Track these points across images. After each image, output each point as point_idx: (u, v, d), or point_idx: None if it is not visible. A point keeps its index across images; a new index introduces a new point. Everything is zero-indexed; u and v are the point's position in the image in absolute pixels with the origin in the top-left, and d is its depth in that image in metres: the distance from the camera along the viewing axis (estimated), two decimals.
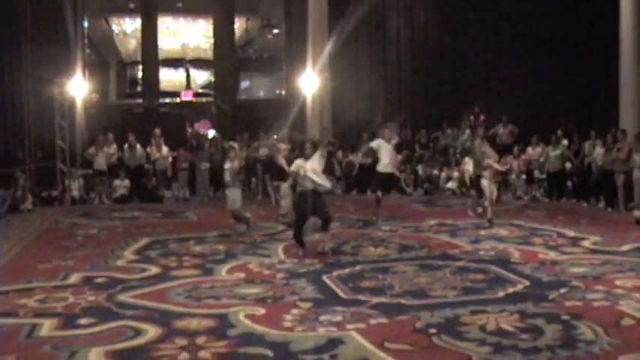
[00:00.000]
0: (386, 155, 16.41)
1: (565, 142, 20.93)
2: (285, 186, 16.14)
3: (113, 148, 22.11)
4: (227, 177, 14.84)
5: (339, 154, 23.52)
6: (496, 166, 16.24)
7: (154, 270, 11.32)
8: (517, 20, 26.81)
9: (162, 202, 21.21)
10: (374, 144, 16.77)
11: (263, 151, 21.34)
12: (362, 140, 24.19)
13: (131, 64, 36.01)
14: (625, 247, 12.88)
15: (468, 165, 22.52)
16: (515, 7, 26.61)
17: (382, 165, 16.45)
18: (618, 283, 9.98)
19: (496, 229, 15.05)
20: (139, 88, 32.17)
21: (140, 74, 31.39)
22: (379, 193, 16.52)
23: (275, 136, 18.31)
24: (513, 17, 26.95)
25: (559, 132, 21.14)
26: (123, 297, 9.48)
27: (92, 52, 31.97)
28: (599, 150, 19.35)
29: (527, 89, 26.44)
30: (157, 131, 22.64)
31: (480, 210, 16.38)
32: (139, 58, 30.89)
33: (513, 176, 21.49)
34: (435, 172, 23.25)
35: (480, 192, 16.32)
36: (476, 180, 16.72)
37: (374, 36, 28.29)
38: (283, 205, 16.19)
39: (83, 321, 8.34)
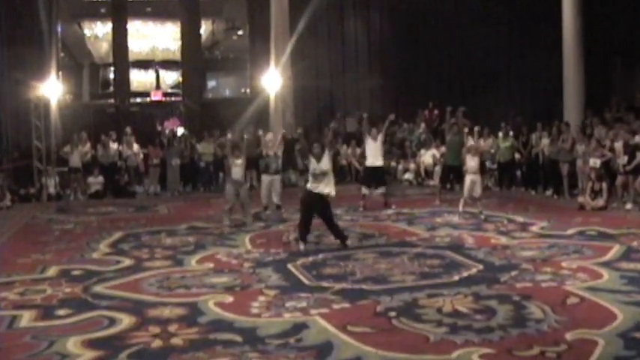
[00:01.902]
0: (370, 151, 16.93)
1: (512, 133, 21.04)
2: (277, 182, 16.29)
3: (87, 146, 21.91)
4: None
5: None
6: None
7: (127, 262, 11.22)
8: (466, 19, 26.92)
9: (135, 198, 21.02)
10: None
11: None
12: (324, 135, 24.18)
13: (103, 66, 35.67)
14: (570, 231, 13.03)
15: (424, 157, 22.65)
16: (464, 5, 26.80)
17: (368, 160, 17.12)
18: (564, 264, 10.10)
19: (451, 216, 15.13)
20: (110, 89, 31.86)
21: (112, 75, 31.12)
22: (364, 190, 17.09)
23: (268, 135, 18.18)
24: (463, 14, 27.07)
25: (503, 124, 21.19)
26: (98, 288, 9.39)
27: (66, 54, 31.64)
28: (545, 141, 19.49)
29: (478, 85, 26.61)
30: (128, 130, 22.51)
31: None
32: (110, 60, 30.66)
33: (465, 167, 21.53)
34: (393, 164, 23.26)
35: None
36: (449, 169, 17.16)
37: (333, 36, 28.33)
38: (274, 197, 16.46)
39: (61, 312, 8.25)
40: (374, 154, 16.87)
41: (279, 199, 16.40)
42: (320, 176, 11.87)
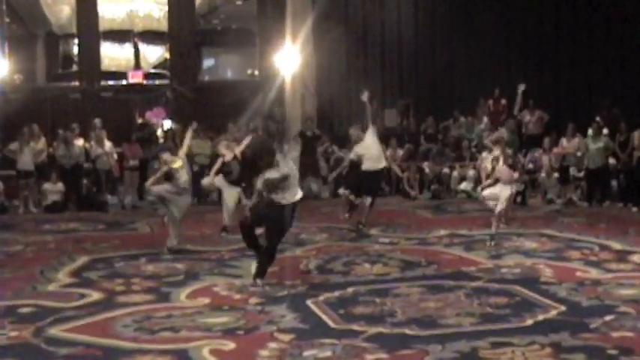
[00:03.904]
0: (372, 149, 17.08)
1: (606, 131, 20.94)
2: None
3: (42, 142, 21.94)
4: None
5: (329, 148, 23.52)
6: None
7: (95, 296, 11.24)
8: None
9: (106, 211, 21.10)
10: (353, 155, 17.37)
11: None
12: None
13: (64, 38, 35.75)
14: None
15: (487, 161, 22.55)
16: None
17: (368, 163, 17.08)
18: None
19: (522, 240, 15.06)
20: (74, 68, 31.98)
21: (76, 50, 31.22)
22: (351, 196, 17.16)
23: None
24: None
25: (597, 119, 21.11)
26: (55, 331, 9.40)
27: (13, 22, 31.78)
28: None
29: (560, 65, 26.45)
30: (98, 122, 22.55)
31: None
32: (74, 29, 30.70)
33: (543, 175, 21.47)
34: (446, 170, 23.23)
35: None
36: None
37: (369, 2, 28.25)
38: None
39: None
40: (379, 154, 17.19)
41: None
42: None
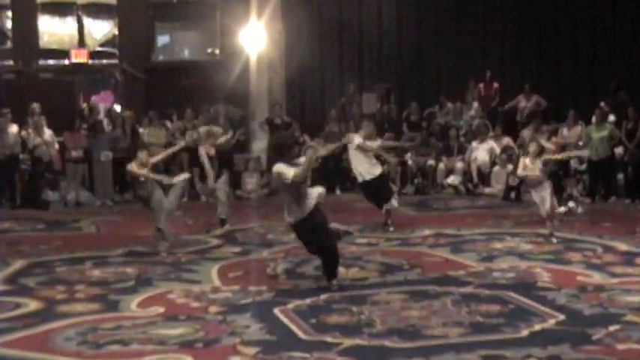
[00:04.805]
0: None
1: (612, 118, 20.99)
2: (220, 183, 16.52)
3: None
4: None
5: (300, 138, 23.52)
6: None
7: (32, 305, 11.17)
8: None
9: (46, 209, 21.00)
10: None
11: (190, 136, 21.31)
12: (329, 119, 24.18)
13: None
14: None
15: (477, 152, 22.60)
16: None
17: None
18: None
19: (516, 241, 15.11)
20: (8, 45, 31.81)
21: (9, 24, 31.03)
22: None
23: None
24: None
25: (602, 104, 21.16)
26: None
27: None
28: None
29: (560, 44, 26.52)
30: (36, 106, 22.42)
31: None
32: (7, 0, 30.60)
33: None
34: (431, 162, 23.24)
35: None
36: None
37: None
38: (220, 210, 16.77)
39: None
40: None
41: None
42: None
